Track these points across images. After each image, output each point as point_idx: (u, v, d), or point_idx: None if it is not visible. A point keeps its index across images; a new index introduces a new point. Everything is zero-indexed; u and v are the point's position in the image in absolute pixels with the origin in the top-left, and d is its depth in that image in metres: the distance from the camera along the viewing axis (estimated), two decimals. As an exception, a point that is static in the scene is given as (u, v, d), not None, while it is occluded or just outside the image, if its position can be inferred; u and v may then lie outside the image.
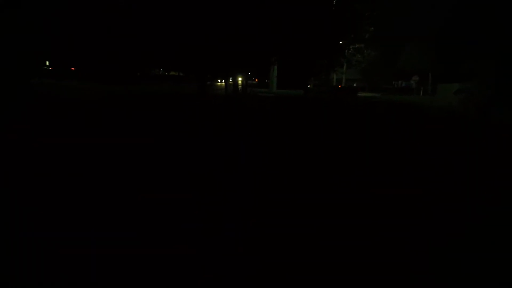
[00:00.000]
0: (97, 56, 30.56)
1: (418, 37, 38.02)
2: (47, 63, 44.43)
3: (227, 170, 5.03)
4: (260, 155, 6.20)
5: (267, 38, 24.86)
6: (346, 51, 29.07)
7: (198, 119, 10.85)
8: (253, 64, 31.19)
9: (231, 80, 32.79)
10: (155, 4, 21.39)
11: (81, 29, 23.47)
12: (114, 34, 24.36)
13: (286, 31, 24.20)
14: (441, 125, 12.26)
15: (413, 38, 39.22)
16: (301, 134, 8.92)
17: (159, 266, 2.44)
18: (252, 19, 23.05)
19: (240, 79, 33.01)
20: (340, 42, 26.76)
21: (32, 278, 2.27)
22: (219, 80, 52.74)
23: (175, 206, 3.56)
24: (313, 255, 2.68)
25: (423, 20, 37.55)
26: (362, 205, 3.78)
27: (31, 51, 20.31)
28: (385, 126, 11.33)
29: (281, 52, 26.82)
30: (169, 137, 7.65)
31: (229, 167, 5.22)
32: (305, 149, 6.91)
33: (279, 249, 2.76)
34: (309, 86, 33.17)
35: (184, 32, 21.49)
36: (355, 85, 45.45)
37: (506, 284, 2.44)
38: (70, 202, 3.57)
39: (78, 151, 5.86)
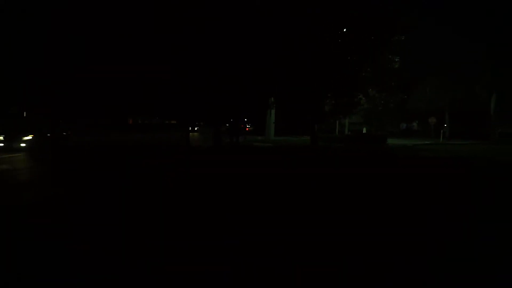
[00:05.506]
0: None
1: (436, 71, 32.62)
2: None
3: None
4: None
5: (270, 74, 18.42)
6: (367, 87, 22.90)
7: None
8: (248, 107, 24.70)
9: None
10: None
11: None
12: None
13: (293, 62, 17.83)
14: None
15: (427, 74, 33.87)
16: None
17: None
18: (253, 52, 16.86)
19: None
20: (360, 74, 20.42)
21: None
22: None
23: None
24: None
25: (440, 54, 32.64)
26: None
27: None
28: None
29: (286, 90, 20.32)
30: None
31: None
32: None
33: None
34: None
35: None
36: (364, 130, 39.25)
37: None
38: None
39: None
